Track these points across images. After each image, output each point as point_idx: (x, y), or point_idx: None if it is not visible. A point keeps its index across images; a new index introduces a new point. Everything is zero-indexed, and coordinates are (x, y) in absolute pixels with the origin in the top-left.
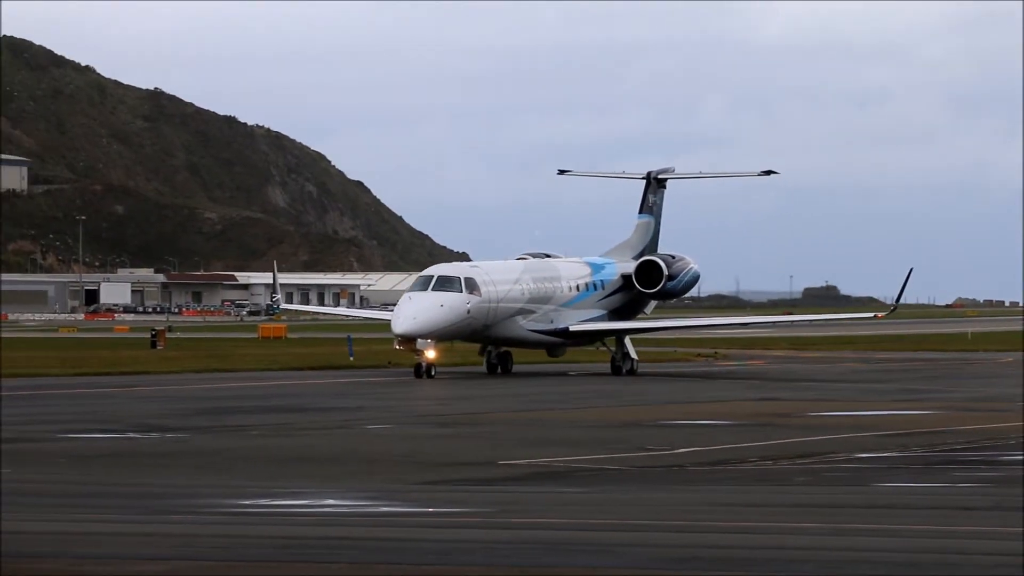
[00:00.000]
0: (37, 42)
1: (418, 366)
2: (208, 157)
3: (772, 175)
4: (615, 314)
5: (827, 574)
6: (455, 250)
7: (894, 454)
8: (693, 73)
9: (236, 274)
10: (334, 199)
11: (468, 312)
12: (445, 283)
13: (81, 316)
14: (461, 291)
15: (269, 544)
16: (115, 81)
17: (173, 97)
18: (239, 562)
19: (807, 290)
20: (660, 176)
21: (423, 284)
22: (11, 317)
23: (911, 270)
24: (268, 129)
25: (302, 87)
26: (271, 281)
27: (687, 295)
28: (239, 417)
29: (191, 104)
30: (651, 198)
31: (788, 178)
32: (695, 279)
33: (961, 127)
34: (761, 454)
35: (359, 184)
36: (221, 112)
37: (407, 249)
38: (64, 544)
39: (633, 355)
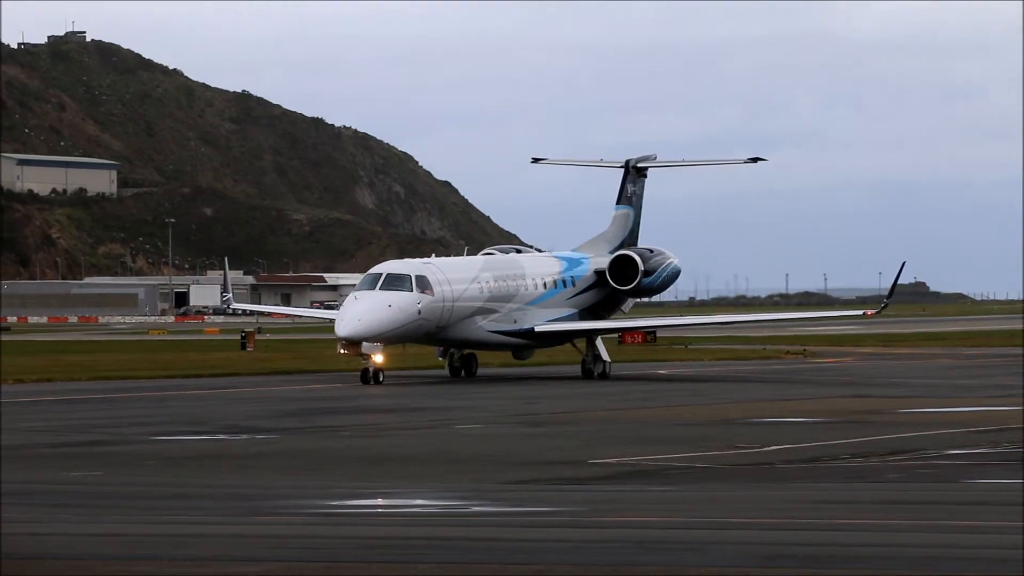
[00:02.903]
0: (125, 46)
1: (364, 371)
2: (296, 159)
3: (759, 162)
4: (588, 313)
5: (918, 571)
6: (543, 249)
7: (985, 450)
8: (785, 70)
9: (325, 275)
10: (422, 200)
11: (419, 313)
12: (394, 282)
13: (171, 319)
14: (411, 290)
15: (358, 545)
16: (203, 84)
17: (261, 99)
18: (329, 563)
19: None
20: (639, 164)
21: (371, 283)
22: (101, 320)
23: (903, 264)
24: (355, 130)
25: (389, 88)
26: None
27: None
28: (329, 418)
29: (279, 106)
30: (630, 188)
31: (878, 173)
32: (674, 275)
33: None
34: (852, 451)
35: (446, 184)
36: (309, 114)
37: None
38: (155, 547)
39: (605, 357)
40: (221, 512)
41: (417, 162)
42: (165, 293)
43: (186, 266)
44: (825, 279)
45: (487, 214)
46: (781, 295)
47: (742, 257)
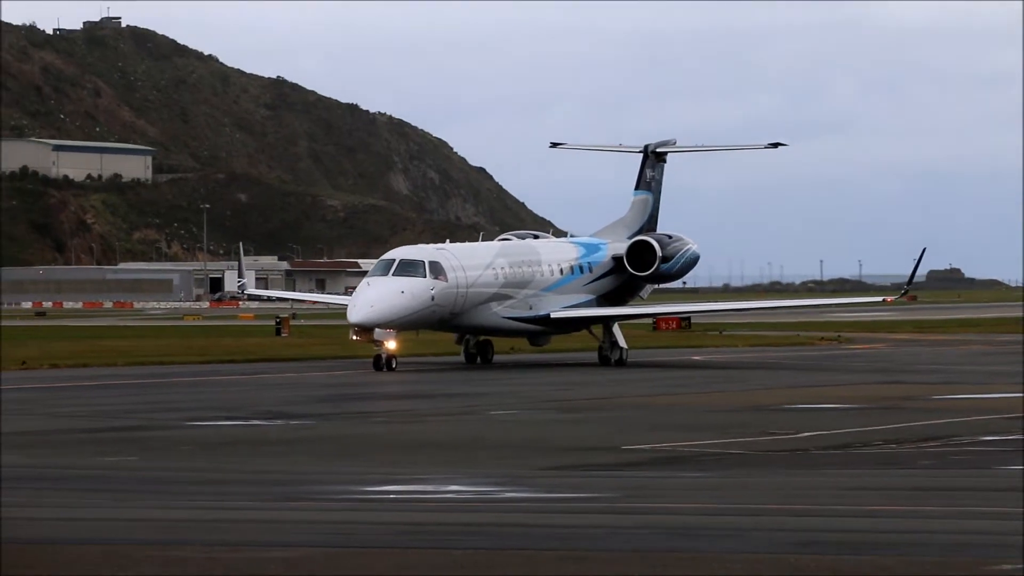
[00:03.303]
0: (160, 32)
1: (377, 358)
2: (331, 145)
3: (780, 147)
4: (606, 299)
5: (950, 558)
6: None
7: (1018, 437)
8: (823, 57)
9: (360, 261)
10: (456, 186)
11: (432, 299)
12: (407, 267)
13: (206, 304)
14: (424, 276)
15: (393, 530)
16: (238, 70)
17: (295, 85)
18: (363, 548)
19: (931, 272)
20: (659, 149)
21: (384, 268)
22: (136, 306)
23: (923, 250)
24: (390, 116)
25: (424, 74)
26: None
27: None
28: (363, 404)
29: (313, 92)
30: (649, 173)
31: (915, 161)
32: (693, 261)
33: None
34: (885, 437)
35: (481, 170)
36: (343, 100)
37: None
38: (189, 532)
39: (622, 343)
40: (255, 497)
41: (452, 148)
42: (200, 279)
43: (221, 252)
44: (860, 266)
45: (522, 200)
46: (815, 281)
47: (777, 244)
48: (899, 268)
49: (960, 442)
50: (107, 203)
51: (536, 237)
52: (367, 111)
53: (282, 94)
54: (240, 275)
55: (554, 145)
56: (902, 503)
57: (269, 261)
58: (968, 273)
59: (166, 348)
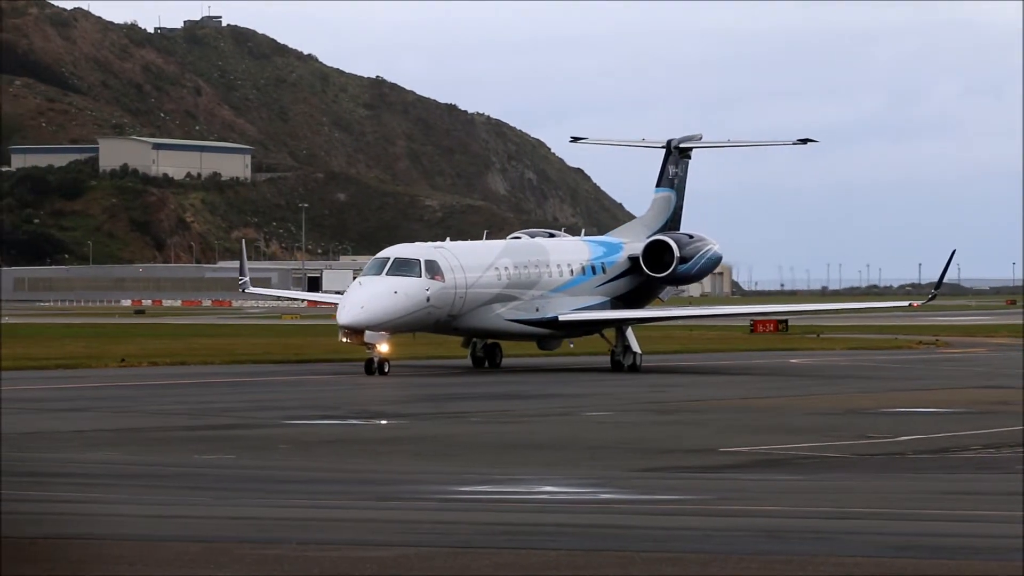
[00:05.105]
0: (260, 31)
1: (369, 361)
2: (429, 145)
3: (809, 143)
4: (621, 301)
5: None
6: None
7: None
8: (926, 59)
9: None
10: (554, 186)
11: (428, 300)
12: (402, 266)
13: (304, 303)
14: (420, 276)
15: (489, 531)
16: (337, 69)
17: (395, 85)
18: (460, 548)
19: None
20: (682, 145)
21: (377, 267)
22: (235, 304)
23: (953, 252)
24: (488, 117)
25: (523, 75)
26: None
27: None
28: (459, 404)
29: (412, 92)
30: (671, 169)
31: (1015, 162)
32: (714, 262)
33: None
34: (983, 442)
35: (579, 171)
36: (442, 100)
37: None
38: (285, 530)
39: (636, 348)
40: (352, 496)
41: (550, 149)
42: (298, 278)
43: (319, 251)
44: (959, 269)
45: (619, 201)
46: (913, 285)
47: (875, 246)
48: (999, 272)
49: None
50: (206, 202)
51: (551, 235)
52: (465, 111)
53: (381, 94)
54: (241, 273)
55: (575, 140)
56: (1000, 508)
57: (366, 260)
58: None
59: (264, 347)
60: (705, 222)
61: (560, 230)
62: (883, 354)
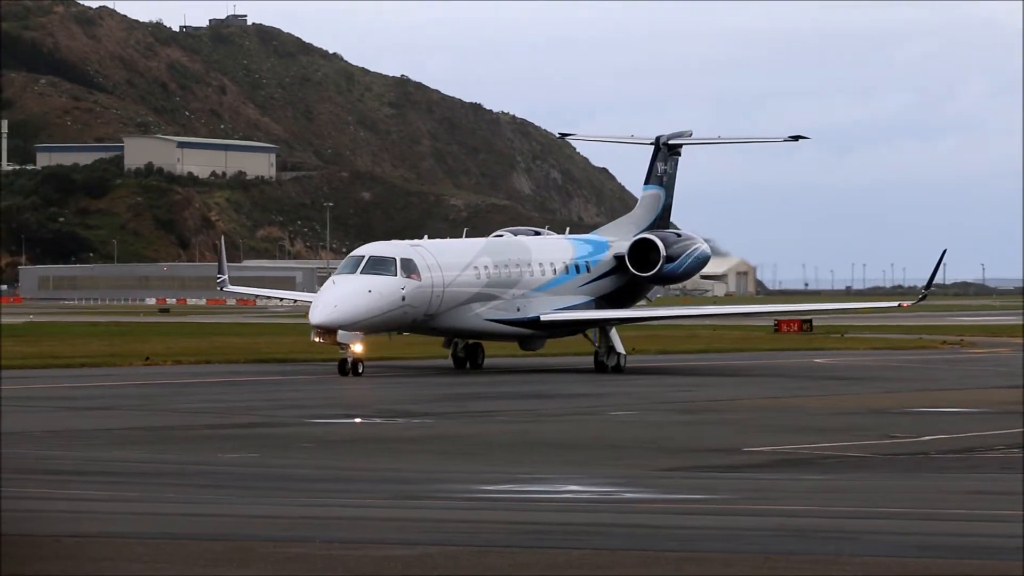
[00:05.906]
0: (285, 30)
1: (342, 362)
2: (454, 144)
3: (801, 140)
4: (606, 301)
5: None
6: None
7: None
8: (953, 58)
9: None
10: (579, 185)
11: (403, 299)
12: (377, 265)
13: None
14: (395, 274)
15: (513, 530)
16: (362, 68)
17: (419, 84)
18: (485, 547)
19: None
20: (672, 142)
21: (352, 266)
22: (259, 303)
23: (944, 252)
24: (513, 116)
25: (548, 74)
26: None
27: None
28: (484, 403)
29: (437, 91)
30: (660, 166)
31: None
32: (701, 261)
33: None
34: (1007, 442)
35: (604, 171)
36: (467, 99)
37: None
38: (308, 529)
39: (620, 349)
40: (376, 495)
41: (575, 148)
42: (323, 277)
43: (344, 250)
44: (983, 269)
45: None
46: (937, 284)
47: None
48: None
49: None
50: (231, 200)
51: (537, 234)
52: (490, 110)
53: (406, 93)
54: (220, 271)
55: (563, 136)
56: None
57: None
58: None
59: (289, 345)
60: (730, 221)
61: (565, 229)
62: (907, 354)
